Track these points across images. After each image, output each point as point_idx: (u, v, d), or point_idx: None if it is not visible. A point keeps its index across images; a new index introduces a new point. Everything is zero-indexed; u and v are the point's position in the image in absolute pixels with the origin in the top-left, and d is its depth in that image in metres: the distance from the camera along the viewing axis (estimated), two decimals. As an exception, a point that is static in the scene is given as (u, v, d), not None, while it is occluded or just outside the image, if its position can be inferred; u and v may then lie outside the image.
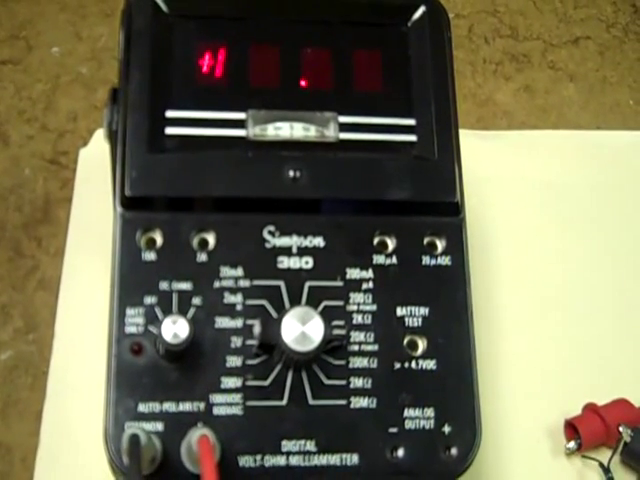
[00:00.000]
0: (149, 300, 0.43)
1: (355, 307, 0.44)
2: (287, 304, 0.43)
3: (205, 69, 0.46)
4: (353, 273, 0.44)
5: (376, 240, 0.45)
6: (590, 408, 0.53)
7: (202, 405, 0.42)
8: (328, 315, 0.42)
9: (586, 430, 0.52)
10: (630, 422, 0.52)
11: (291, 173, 0.44)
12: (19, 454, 0.52)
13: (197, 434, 0.39)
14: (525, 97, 0.68)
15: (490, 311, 0.55)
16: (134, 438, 0.37)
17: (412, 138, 0.46)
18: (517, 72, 0.69)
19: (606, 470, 0.51)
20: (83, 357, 0.52)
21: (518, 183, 0.61)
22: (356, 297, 0.44)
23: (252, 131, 0.45)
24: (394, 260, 0.45)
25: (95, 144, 0.60)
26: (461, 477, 0.44)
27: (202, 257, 0.44)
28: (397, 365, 0.44)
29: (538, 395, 0.54)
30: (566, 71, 0.70)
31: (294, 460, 0.42)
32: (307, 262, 0.44)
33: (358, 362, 0.43)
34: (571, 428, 0.53)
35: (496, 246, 0.58)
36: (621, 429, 0.51)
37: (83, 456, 0.49)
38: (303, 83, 0.46)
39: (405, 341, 0.44)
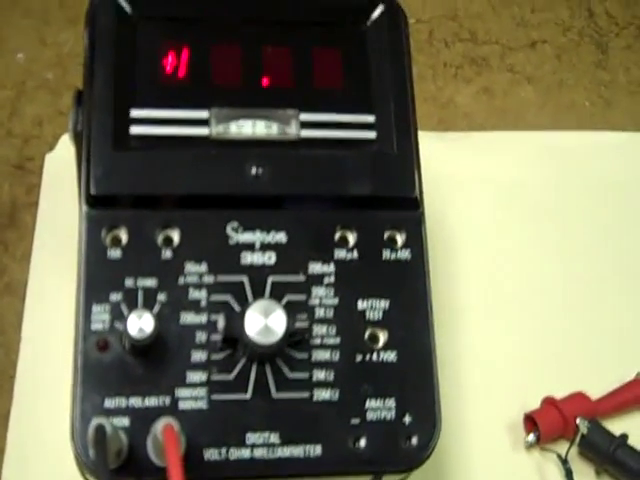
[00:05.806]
0: (115, 297, 0.43)
1: (317, 301, 0.44)
2: (250, 299, 0.44)
3: (168, 69, 0.46)
4: (315, 268, 0.45)
5: (337, 235, 0.46)
6: (548, 402, 0.54)
7: (167, 399, 0.42)
8: (291, 309, 0.43)
9: (545, 423, 0.53)
10: (587, 414, 0.53)
11: (253, 170, 0.45)
12: (-14, 457, 0.51)
13: (162, 423, 0.40)
14: (484, 99, 0.69)
15: (450, 307, 0.56)
16: (100, 428, 0.38)
17: (372, 135, 0.47)
18: (476, 75, 0.70)
19: (564, 461, 0.52)
20: (50, 360, 0.53)
21: (478, 182, 0.63)
22: (318, 291, 0.45)
23: (215, 129, 0.46)
24: (355, 254, 0.45)
25: (61, 149, 0.60)
26: (423, 471, 0.44)
27: (167, 254, 0.44)
28: (359, 357, 0.44)
29: (498, 389, 0.55)
30: (524, 74, 0.71)
31: (258, 452, 0.42)
32: (270, 257, 0.45)
33: (320, 355, 0.44)
34: (530, 421, 0.54)
35: (457, 244, 0.59)
36: (578, 421, 0.52)
37: (51, 458, 0.50)
38: (264, 81, 0.47)
39: (366, 334, 0.44)
